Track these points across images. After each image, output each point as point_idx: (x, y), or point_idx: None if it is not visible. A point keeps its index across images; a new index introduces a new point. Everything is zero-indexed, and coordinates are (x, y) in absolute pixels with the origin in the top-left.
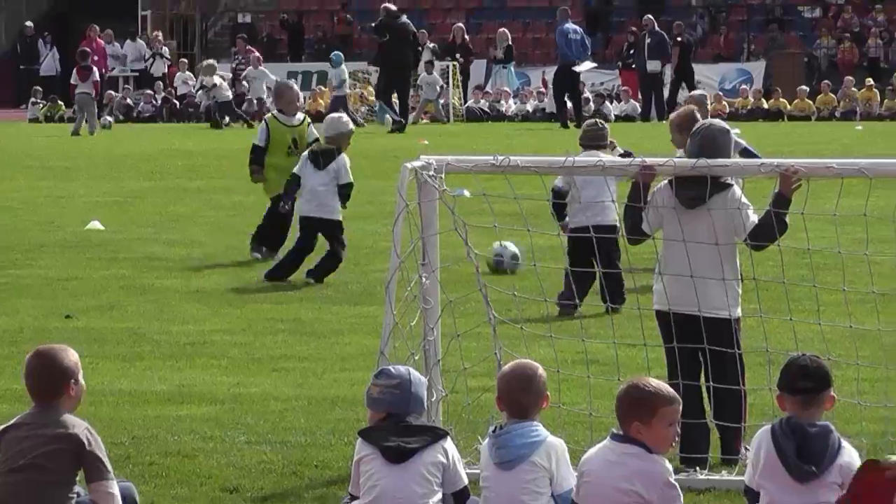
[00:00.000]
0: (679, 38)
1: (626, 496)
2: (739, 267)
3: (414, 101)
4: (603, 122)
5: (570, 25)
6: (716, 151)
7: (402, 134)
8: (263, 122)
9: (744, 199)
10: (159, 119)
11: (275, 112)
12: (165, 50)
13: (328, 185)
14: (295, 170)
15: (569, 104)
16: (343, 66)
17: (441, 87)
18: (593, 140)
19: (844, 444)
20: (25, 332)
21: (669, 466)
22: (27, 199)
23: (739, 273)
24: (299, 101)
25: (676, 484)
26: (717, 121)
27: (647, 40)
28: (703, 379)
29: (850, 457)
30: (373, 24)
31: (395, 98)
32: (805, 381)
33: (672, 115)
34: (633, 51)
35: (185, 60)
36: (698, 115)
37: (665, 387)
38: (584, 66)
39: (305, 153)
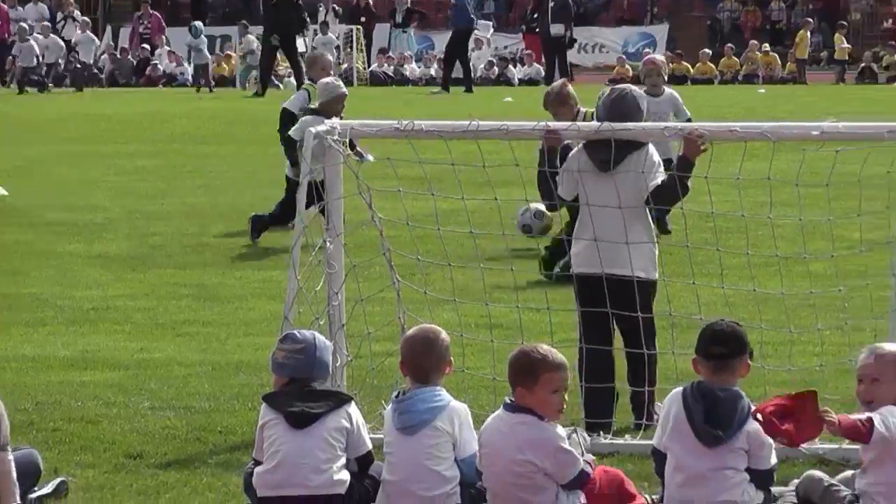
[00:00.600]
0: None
1: (519, 466)
2: (654, 229)
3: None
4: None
5: None
6: (626, 114)
7: None
8: (304, 90)
9: (656, 159)
10: (64, 83)
11: (308, 81)
12: (77, 13)
13: None
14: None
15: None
16: (203, 37)
17: (337, 47)
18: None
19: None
20: None
21: (561, 432)
22: None
23: (654, 235)
24: (332, 69)
25: (571, 449)
26: (628, 85)
27: (551, 3)
28: (617, 343)
29: (756, 424)
30: None
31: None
32: (718, 346)
33: (546, 93)
34: (536, 14)
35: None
36: (569, 88)
37: (553, 353)
38: (487, 30)
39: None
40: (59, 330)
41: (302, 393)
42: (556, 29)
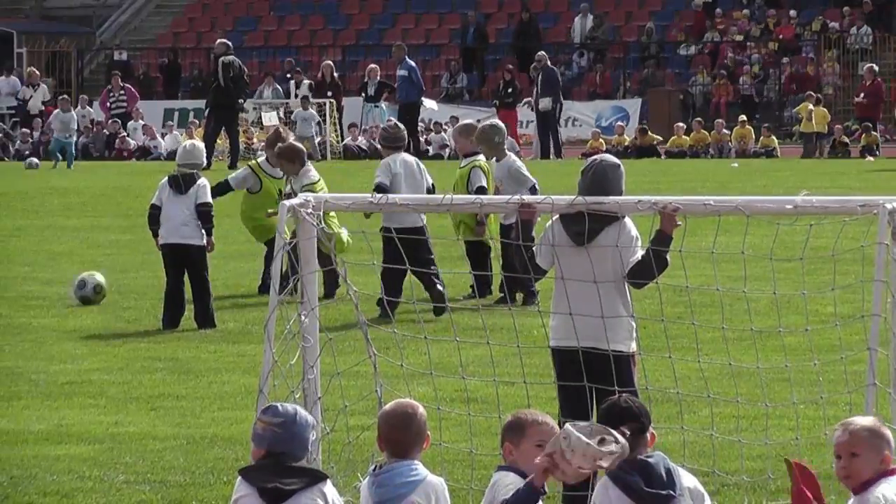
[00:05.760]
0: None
1: None
2: (631, 302)
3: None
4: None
5: (411, 62)
6: (605, 187)
7: None
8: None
9: (634, 233)
10: (35, 157)
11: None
12: (43, 86)
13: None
14: None
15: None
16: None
17: (318, 123)
18: (394, 142)
19: (678, 468)
20: None
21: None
22: None
23: (631, 308)
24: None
25: None
26: (607, 156)
27: (539, 77)
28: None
29: (689, 480)
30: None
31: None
32: (632, 421)
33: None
34: (510, 89)
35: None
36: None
37: (540, 414)
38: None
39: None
40: (33, 404)
41: (277, 469)
42: (544, 103)
